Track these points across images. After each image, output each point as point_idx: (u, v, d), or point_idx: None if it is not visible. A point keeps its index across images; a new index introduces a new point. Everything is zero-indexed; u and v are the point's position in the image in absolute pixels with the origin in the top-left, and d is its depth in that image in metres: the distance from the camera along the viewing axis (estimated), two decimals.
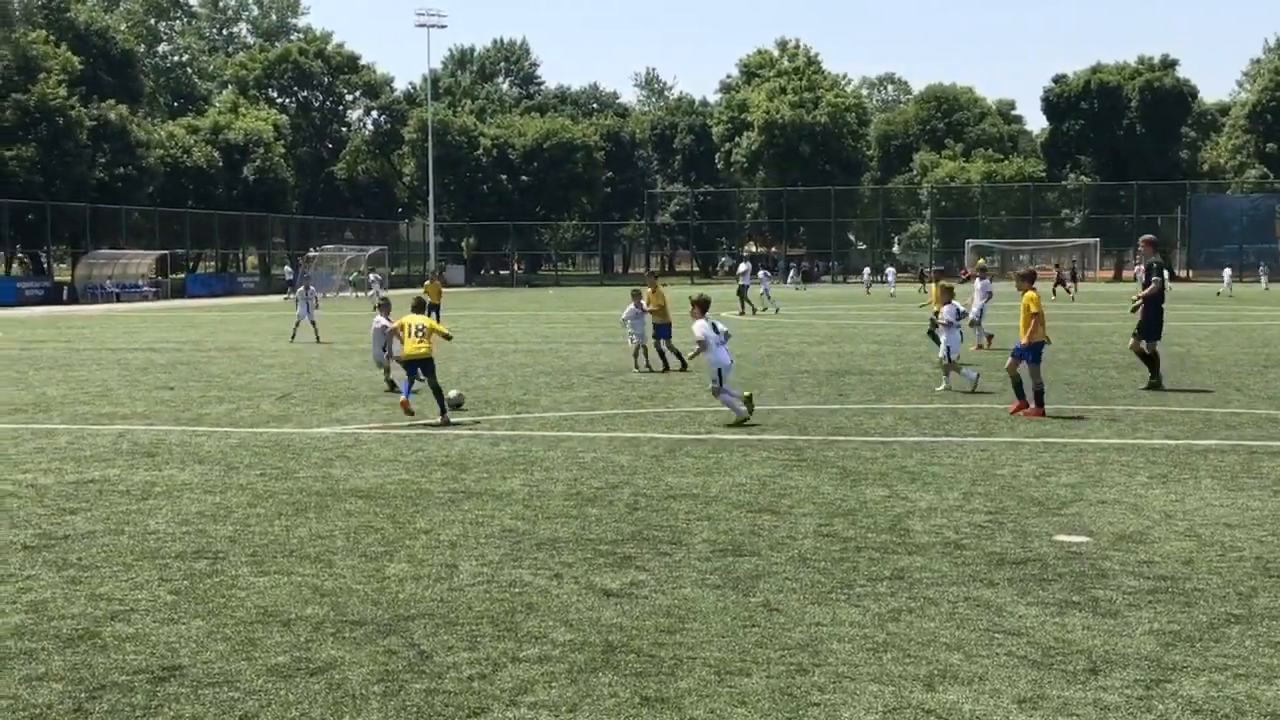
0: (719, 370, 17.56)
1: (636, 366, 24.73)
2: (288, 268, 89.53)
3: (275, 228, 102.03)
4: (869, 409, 18.74)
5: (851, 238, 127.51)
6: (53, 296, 72.06)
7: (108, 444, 15.72)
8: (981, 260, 75.97)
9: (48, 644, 7.54)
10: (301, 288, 38.44)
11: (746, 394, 17.67)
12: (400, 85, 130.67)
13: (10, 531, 10.66)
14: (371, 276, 72.81)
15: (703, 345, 17.68)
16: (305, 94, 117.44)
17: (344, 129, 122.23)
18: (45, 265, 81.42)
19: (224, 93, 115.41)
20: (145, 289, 76.88)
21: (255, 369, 26.50)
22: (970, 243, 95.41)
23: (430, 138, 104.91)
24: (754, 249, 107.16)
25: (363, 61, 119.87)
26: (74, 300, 71.68)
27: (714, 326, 17.94)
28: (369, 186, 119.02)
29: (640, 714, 6.40)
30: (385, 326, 21.28)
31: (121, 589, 8.80)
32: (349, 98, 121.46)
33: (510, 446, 15.26)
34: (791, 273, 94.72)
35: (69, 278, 77.41)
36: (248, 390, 22.20)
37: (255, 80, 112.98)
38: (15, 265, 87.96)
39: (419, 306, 18.92)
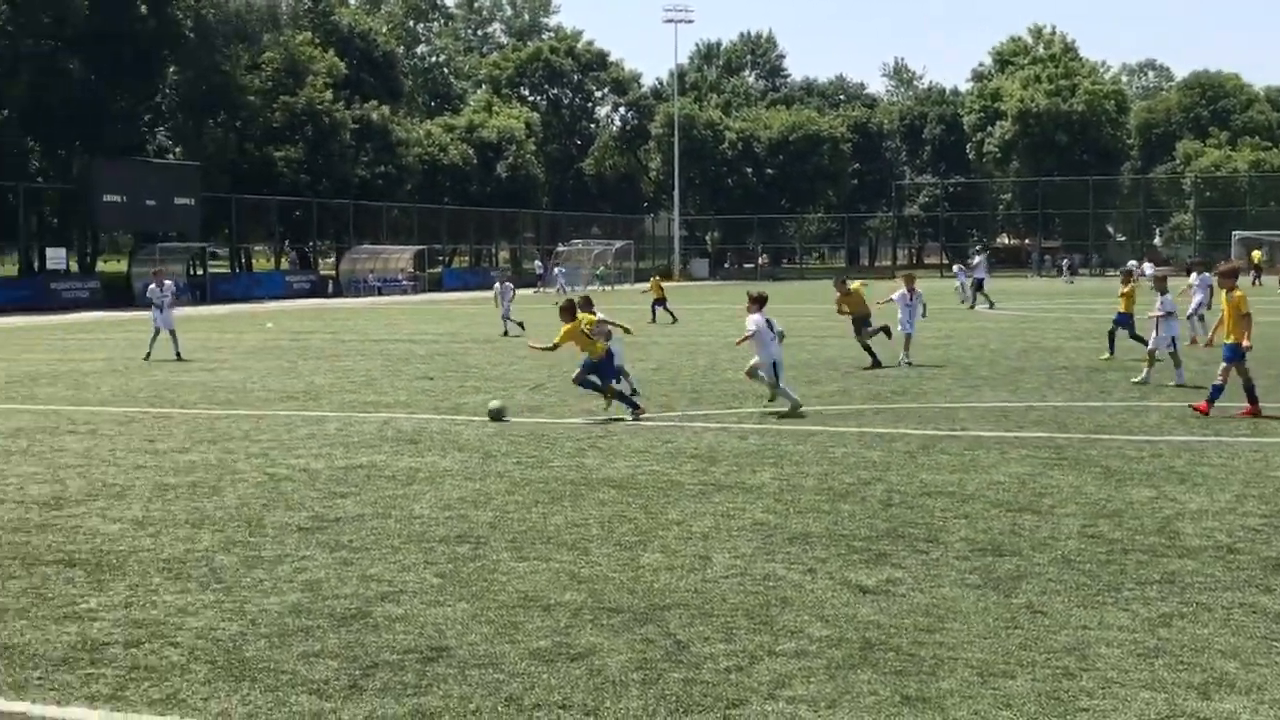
0: (774, 364, 17.80)
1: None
2: (538, 262, 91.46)
3: (526, 223, 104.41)
4: (1132, 406, 18.09)
5: (1110, 230, 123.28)
6: (318, 290, 75.34)
7: (373, 431, 16.33)
8: (1258, 253, 72.26)
9: (323, 622, 7.87)
10: (498, 284, 39.51)
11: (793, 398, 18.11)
12: (647, 81, 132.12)
13: (286, 513, 11.17)
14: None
15: (752, 336, 17.81)
16: (555, 91, 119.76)
17: (592, 125, 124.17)
18: (311, 260, 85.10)
19: (478, 92, 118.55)
20: (404, 283, 79.57)
21: (509, 360, 27.16)
22: (1237, 234, 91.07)
23: (676, 132, 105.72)
24: (983, 246, 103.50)
25: (611, 58, 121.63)
26: (338, 293, 74.76)
27: (769, 323, 17.99)
28: (616, 181, 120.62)
29: (901, 713, 6.32)
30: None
31: (390, 571, 9.12)
32: (598, 94, 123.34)
33: (759, 440, 15.25)
34: (1065, 264, 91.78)
35: (333, 272, 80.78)
36: (502, 381, 22.77)
37: (508, 79, 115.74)
38: (284, 260, 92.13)
39: (586, 305, 18.97)
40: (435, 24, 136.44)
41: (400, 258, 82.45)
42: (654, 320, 41.32)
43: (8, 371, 25.72)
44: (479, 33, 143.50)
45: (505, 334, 35.49)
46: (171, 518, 11.06)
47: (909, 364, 24.21)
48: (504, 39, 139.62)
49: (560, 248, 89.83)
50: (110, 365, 27.00)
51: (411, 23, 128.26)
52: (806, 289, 78.39)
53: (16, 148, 62.42)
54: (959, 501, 11.37)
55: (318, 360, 28.02)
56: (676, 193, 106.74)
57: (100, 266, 77.22)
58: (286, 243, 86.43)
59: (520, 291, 46.45)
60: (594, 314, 18.47)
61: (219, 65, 68.48)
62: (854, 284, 25.90)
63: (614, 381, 18.17)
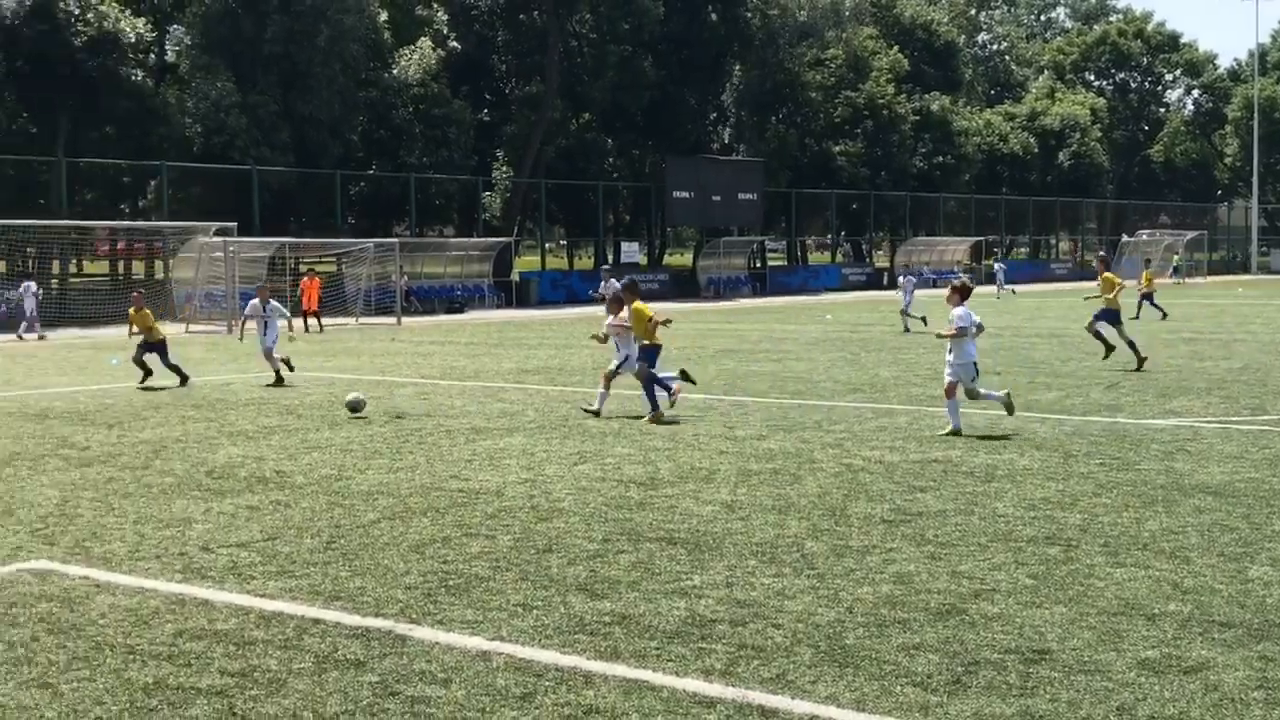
0: (973, 363, 15.89)
1: None
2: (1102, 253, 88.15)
3: (1089, 213, 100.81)
4: None
5: None
6: (872, 281, 76.14)
7: (946, 425, 16.28)
8: None
9: (919, 615, 7.94)
10: (900, 277, 38.18)
11: (1006, 391, 16.46)
12: (1224, 62, 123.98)
13: (868, 505, 11.35)
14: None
15: (961, 333, 15.75)
16: (1122, 76, 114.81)
17: (1162, 110, 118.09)
18: (865, 252, 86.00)
19: (1040, 78, 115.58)
20: (958, 275, 78.89)
21: (1079, 355, 26.32)
22: None
23: (1256, 115, 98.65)
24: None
25: (1183, 39, 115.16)
26: (892, 285, 75.19)
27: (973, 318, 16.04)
28: (1186, 169, 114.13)
29: None
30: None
31: (980, 569, 9.06)
32: (1168, 77, 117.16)
33: None
34: None
35: (887, 264, 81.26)
36: (1074, 378, 22.10)
37: (1072, 64, 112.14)
38: (838, 253, 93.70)
39: (633, 288, 18.47)
40: (997, 11, 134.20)
41: (956, 249, 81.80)
42: (1136, 316, 37.43)
43: (593, 359, 27.62)
44: (1042, 18, 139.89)
45: (906, 330, 34.59)
46: (758, 503, 11.50)
47: None
48: (1068, 23, 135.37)
49: (1124, 238, 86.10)
50: (684, 354, 28.42)
51: (973, 11, 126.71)
52: None
53: (597, 148, 66.95)
54: None
55: (879, 352, 28.28)
56: (1255, 180, 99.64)
57: (666, 260, 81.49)
58: (843, 235, 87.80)
59: (1081, 285, 44.72)
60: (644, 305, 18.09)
61: (783, 63, 70.54)
62: None
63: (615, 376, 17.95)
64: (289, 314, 24.93)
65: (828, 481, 12.48)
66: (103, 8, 48.39)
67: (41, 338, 36.19)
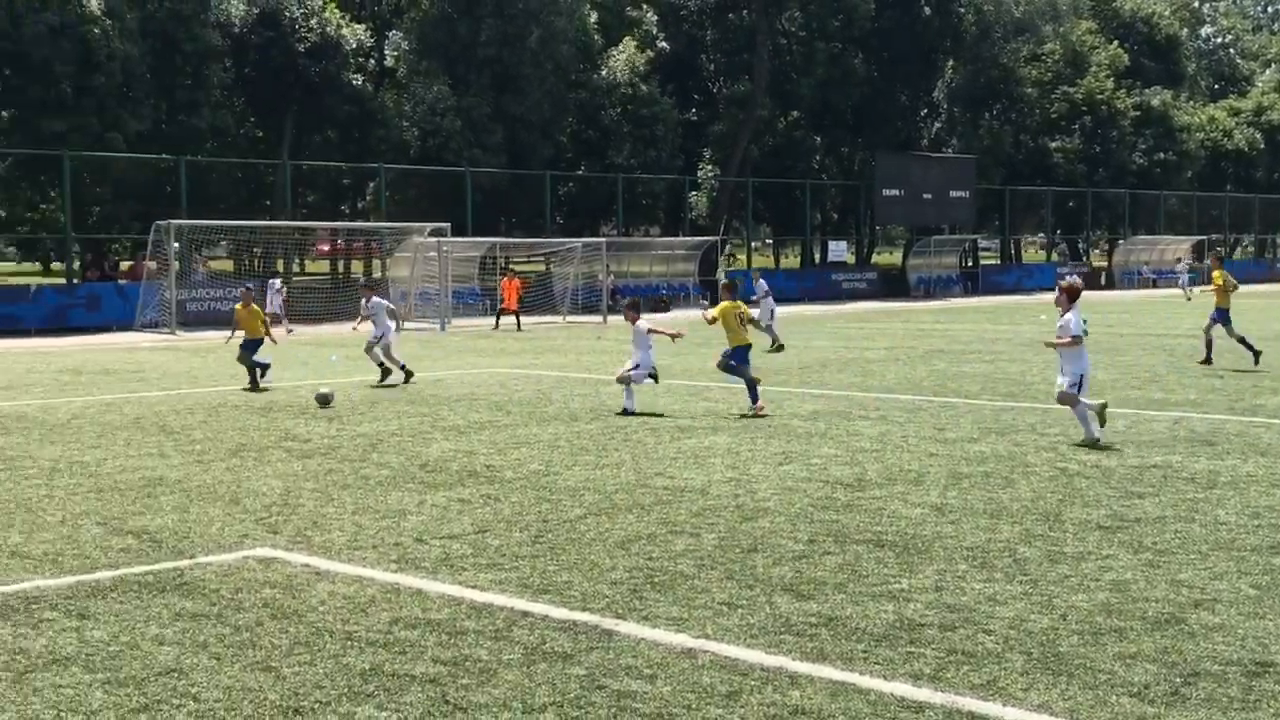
0: (1081, 376, 14.61)
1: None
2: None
3: None
4: None
5: None
6: (1089, 282, 74.01)
7: (1164, 430, 15.76)
8: None
9: (1135, 624, 7.70)
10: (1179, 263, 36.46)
11: (1101, 402, 14.91)
12: None
13: (1083, 510, 11.05)
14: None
15: (1075, 342, 14.58)
16: None
17: None
18: (1082, 251, 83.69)
19: (1267, 72, 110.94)
20: (1182, 274, 76.19)
21: None
22: None
23: None
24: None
25: None
26: (1110, 285, 73.04)
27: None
28: None
29: None
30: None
31: (1200, 577, 8.76)
32: None
33: None
34: None
35: (1105, 263, 78.94)
36: None
37: None
38: (1054, 252, 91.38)
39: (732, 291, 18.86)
40: (1221, 3, 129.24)
41: (1176, 249, 79.01)
42: None
43: (799, 359, 27.49)
44: (1269, 9, 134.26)
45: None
46: (969, 506, 11.30)
47: None
48: None
49: None
50: (892, 354, 28.09)
51: (1196, 3, 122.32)
52: None
53: (805, 145, 66.60)
54: None
55: (1095, 354, 27.44)
56: None
57: (875, 259, 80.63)
58: (1058, 234, 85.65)
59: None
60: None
61: (997, 59, 69.16)
62: None
63: (647, 380, 18.33)
64: (397, 312, 25.11)
65: (1041, 485, 12.20)
66: (325, 15, 50.10)
67: (290, 331, 37.55)
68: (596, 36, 59.35)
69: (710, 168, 66.27)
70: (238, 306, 23.46)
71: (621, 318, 21.83)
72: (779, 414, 17.75)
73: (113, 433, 16.38)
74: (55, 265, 70.70)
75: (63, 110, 40.76)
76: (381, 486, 12.57)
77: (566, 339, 34.57)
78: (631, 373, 18.37)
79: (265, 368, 22.41)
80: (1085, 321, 14.95)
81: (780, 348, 29.10)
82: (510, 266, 48.35)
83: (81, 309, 39.33)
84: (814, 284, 61.90)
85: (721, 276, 53.79)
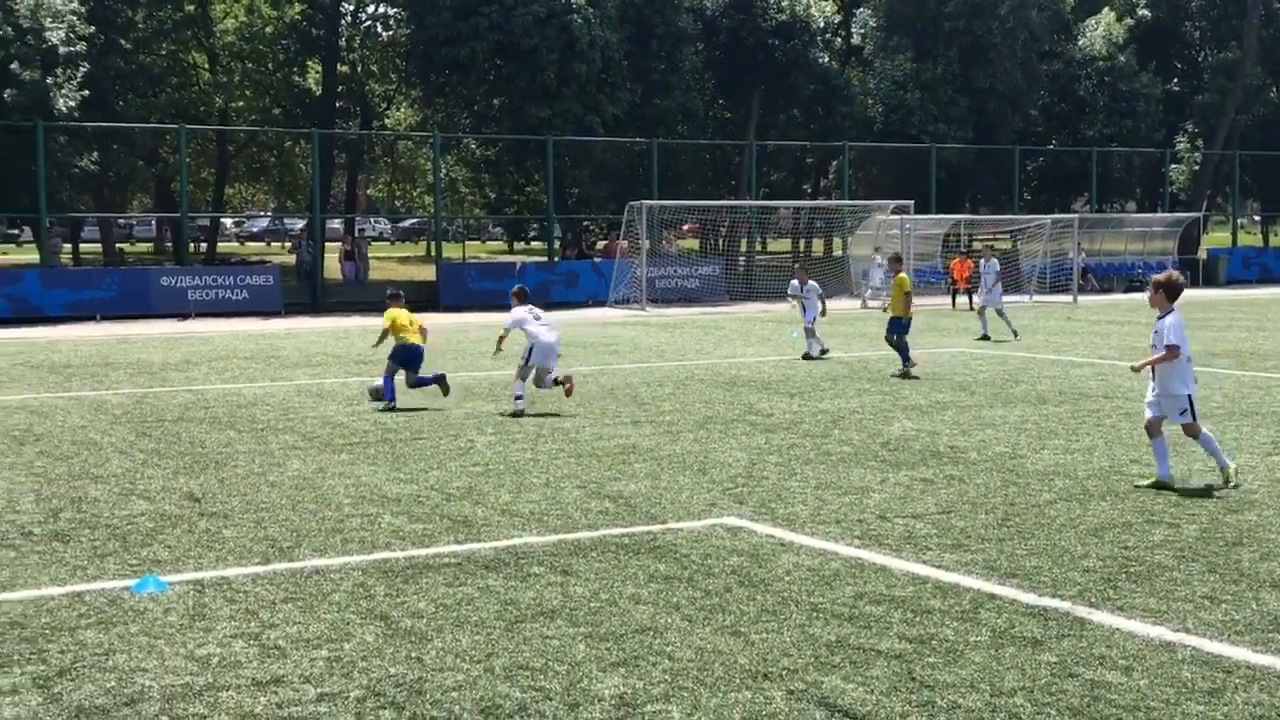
0: (1189, 398, 11.03)
1: None
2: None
3: None
4: None
5: None
6: None
7: None
8: None
9: None
10: None
11: None
12: None
13: None
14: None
15: (1171, 354, 11.02)
16: None
17: None
18: None
19: None
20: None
21: None
22: None
23: None
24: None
25: None
26: None
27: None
28: None
29: None
30: None
31: None
32: None
33: None
34: None
35: None
36: None
37: None
38: None
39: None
40: None
41: None
42: None
43: None
44: None
45: None
46: None
47: None
48: None
49: None
50: None
51: None
52: None
53: None
54: None
55: None
56: None
57: None
58: None
59: None
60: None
61: None
62: None
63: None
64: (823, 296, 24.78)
65: None
66: None
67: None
68: (1070, 5, 57.28)
69: (1192, 140, 62.66)
70: (900, 276, 21.68)
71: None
72: (1266, 402, 16.61)
73: (590, 402, 17.27)
74: (536, 244, 75.25)
75: (547, 97, 43.15)
76: (843, 463, 12.67)
77: (1035, 319, 33.63)
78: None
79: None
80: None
81: (985, 338, 27.16)
82: (988, 243, 47.09)
83: (561, 285, 41.65)
84: None
85: (1203, 254, 50.87)
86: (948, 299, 39.15)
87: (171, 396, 18.32)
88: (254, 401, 17.65)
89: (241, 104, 54.57)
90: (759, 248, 61.35)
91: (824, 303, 24.24)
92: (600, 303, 40.47)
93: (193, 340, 28.43)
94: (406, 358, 17.25)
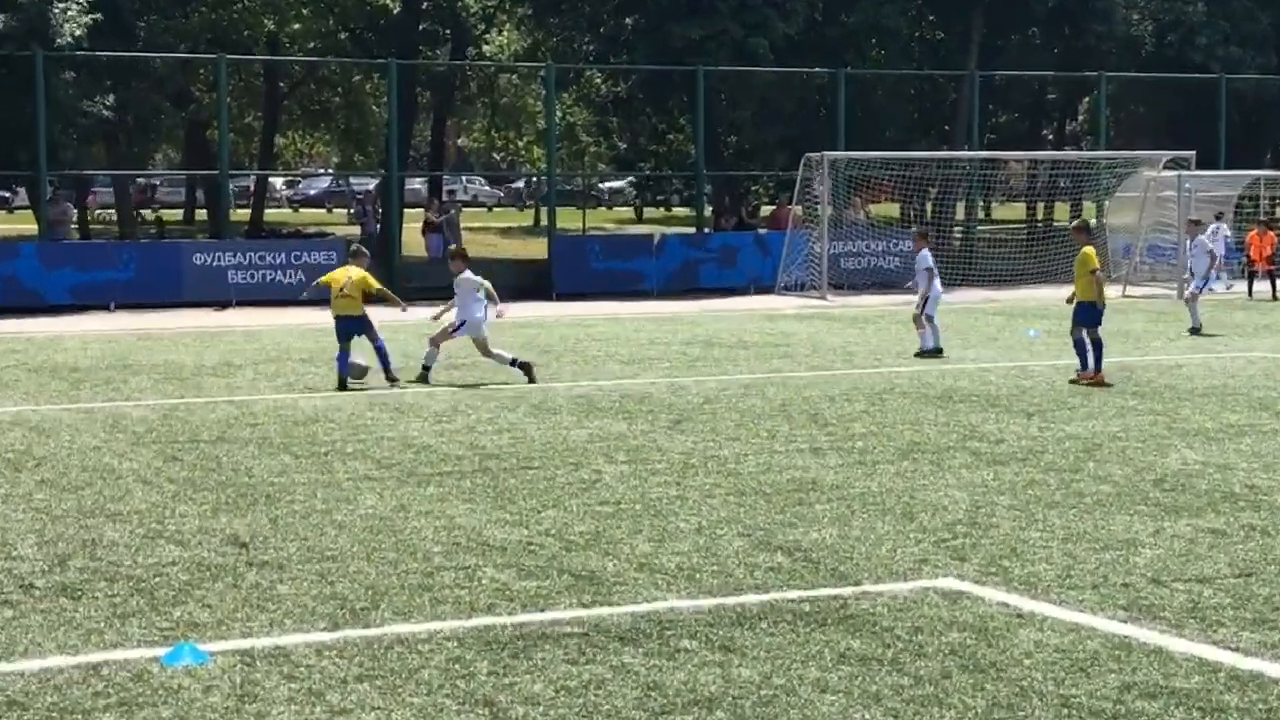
0: None
1: None
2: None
3: None
4: None
5: None
6: None
7: None
8: None
9: None
10: None
11: None
12: None
13: None
14: None
15: None
16: None
17: None
18: None
19: None
20: None
21: None
22: None
23: None
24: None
25: None
26: None
27: None
28: None
29: None
30: None
31: None
32: None
33: None
34: None
35: None
36: None
37: None
38: None
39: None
40: None
41: None
42: None
43: None
44: None
45: None
46: None
47: None
48: None
49: None
50: None
51: None
52: None
53: None
54: None
55: None
56: None
57: None
58: None
59: None
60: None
61: None
62: None
63: None
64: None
65: None
66: None
67: (1229, 287, 38.27)
68: None
69: None
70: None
71: None
72: None
73: (754, 422, 17.29)
74: (679, 210, 75.24)
75: (697, 13, 43.05)
76: (1101, 506, 12.53)
77: None
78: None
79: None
80: None
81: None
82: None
83: (713, 264, 41.41)
84: None
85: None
86: (1242, 285, 38.37)
87: (208, 410, 18.72)
88: (314, 417, 17.97)
89: (298, 27, 55.18)
90: (981, 215, 60.77)
91: (935, 282, 24.07)
92: (766, 289, 40.33)
93: (234, 336, 29.00)
94: (339, 332, 20.35)
